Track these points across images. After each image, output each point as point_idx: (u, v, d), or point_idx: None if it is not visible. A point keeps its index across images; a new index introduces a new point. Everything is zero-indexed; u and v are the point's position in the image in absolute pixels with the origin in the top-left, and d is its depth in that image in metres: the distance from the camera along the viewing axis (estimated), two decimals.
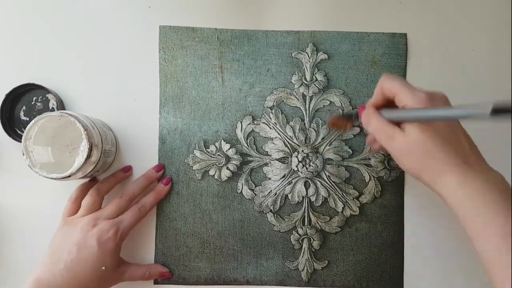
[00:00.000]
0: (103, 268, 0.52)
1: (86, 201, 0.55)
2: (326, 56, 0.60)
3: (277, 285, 0.59)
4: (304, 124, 0.59)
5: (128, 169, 0.59)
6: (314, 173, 0.59)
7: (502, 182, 0.42)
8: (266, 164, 0.59)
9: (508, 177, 0.60)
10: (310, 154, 0.59)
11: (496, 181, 0.42)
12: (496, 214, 0.40)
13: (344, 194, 0.59)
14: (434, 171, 0.43)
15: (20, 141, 0.50)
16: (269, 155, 0.60)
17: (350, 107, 0.59)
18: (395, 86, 0.45)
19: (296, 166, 0.59)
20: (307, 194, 0.59)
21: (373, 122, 0.46)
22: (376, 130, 0.46)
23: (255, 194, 0.59)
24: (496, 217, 0.40)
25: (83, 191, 0.56)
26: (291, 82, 0.60)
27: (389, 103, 0.47)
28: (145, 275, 0.56)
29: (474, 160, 0.43)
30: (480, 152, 0.45)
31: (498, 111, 0.35)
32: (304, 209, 0.59)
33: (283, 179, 0.59)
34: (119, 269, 0.55)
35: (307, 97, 0.60)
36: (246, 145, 0.59)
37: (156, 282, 0.59)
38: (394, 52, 0.60)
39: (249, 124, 0.60)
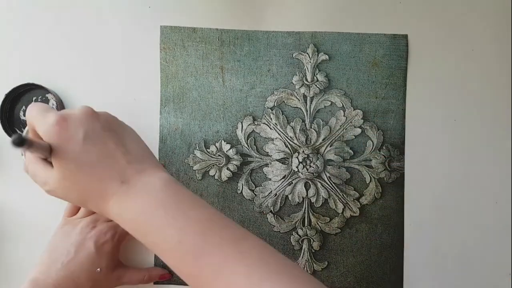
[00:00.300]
0: (98, 270, 0.52)
1: None
2: (327, 56, 0.60)
3: None
4: (305, 124, 0.59)
5: None
6: (314, 174, 0.59)
7: (161, 183, 0.40)
8: (266, 165, 0.59)
9: (508, 177, 0.60)
10: (310, 155, 0.59)
11: (152, 185, 0.40)
12: (165, 217, 0.38)
13: (344, 195, 0.59)
14: (97, 201, 0.40)
15: None
16: (269, 156, 0.59)
17: (351, 107, 0.59)
18: (33, 114, 0.40)
19: (297, 167, 0.59)
20: (307, 195, 0.59)
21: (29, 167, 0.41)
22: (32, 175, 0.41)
23: (255, 195, 0.59)
24: (167, 223, 0.38)
25: None
26: (292, 82, 0.60)
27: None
28: (144, 279, 0.56)
29: (131, 173, 0.40)
30: (146, 153, 0.42)
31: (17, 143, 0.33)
32: (304, 210, 0.59)
33: (283, 179, 0.59)
34: (116, 272, 0.54)
35: (308, 97, 0.60)
36: (246, 146, 0.59)
37: (156, 282, 0.59)
38: (395, 53, 0.60)
39: (249, 124, 0.59)
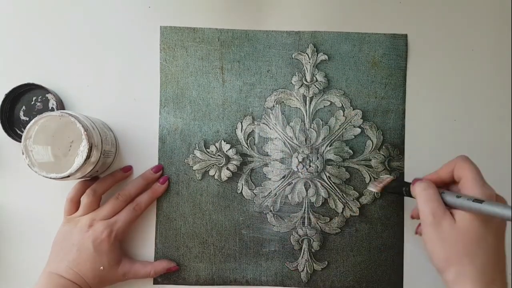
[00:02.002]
0: (101, 268, 0.53)
1: (84, 201, 0.55)
2: (326, 57, 0.60)
3: (276, 285, 0.59)
4: (304, 124, 0.59)
5: (128, 169, 0.59)
6: (314, 173, 0.59)
7: None
8: (266, 165, 0.59)
9: (508, 177, 0.60)
10: (310, 155, 0.59)
11: None
12: None
13: (344, 195, 0.59)
14: (461, 273, 0.39)
15: (20, 141, 0.50)
16: (269, 156, 0.59)
17: (351, 107, 0.59)
18: (467, 172, 0.43)
19: (296, 167, 0.59)
20: (307, 194, 0.59)
21: (427, 193, 0.43)
22: (426, 203, 0.43)
23: (255, 195, 0.59)
24: None
25: (79, 190, 0.56)
26: (291, 83, 0.60)
27: (446, 184, 0.45)
28: (151, 273, 0.57)
29: (498, 284, 0.40)
30: (504, 269, 0.41)
31: None
32: (304, 210, 0.59)
33: (283, 179, 0.59)
34: (121, 268, 0.55)
35: (307, 97, 0.60)
36: (246, 146, 0.59)
37: (156, 282, 0.59)
38: (395, 53, 0.60)
39: (249, 124, 0.59)
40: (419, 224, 0.51)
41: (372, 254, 0.59)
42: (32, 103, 0.58)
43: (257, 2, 0.60)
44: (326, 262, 0.59)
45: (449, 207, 0.43)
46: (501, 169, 0.60)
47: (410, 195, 0.49)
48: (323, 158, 0.59)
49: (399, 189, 0.52)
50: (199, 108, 0.60)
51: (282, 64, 0.60)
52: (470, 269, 0.39)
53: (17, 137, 0.58)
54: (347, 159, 0.59)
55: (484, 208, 0.39)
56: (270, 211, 0.59)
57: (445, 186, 0.47)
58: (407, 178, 0.59)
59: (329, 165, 0.59)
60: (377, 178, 0.58)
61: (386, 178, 0.56)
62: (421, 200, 0.43)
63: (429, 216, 0.42)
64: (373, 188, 0.56)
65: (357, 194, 0.59)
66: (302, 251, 0.59)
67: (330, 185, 0.59)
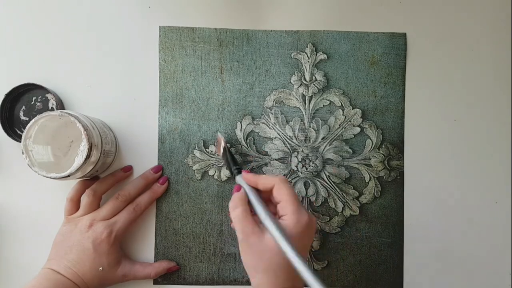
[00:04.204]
0: (101, 268, 0.53)
1: (84, 201, 0.55)
2: (325, 56, 0.60)
3: None
4: (304, 124, 0.59)
5: (128, 169, 0.59)
6: (314, 173, 0.59)
7: None
8: (265, 164, 0.59)
9: (508, 177, 0.60)
10: (310, 154, 0.59)
11: None
12: None
13: (344, 194, 0.59)
14: (263, 279, 0.44)
15: (20, 141, 0.50)
16: (268, 155, 0.59)
17: (350, 106, 0.59)
18: (286, 196, 0.46)
19: (296, 166, 0.59)
20: (307, 194, 0.59)
21: (237, 213, 0.47)
22: (237, 224, 0.46)
23: None
24: None
25: (79, 190, 0.56)
26: (290, 82, 0.60)
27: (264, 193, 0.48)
28: (151, 275, 0.57)
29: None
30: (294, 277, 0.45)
31: None
32: None
33: None
34: (121, 269, 0.55)
35: (307, 97, 0.60)
36: (245, 145, 0.59)
37: (156, 282, 0.59)
38: (394, 52, 0.60)
39: (248, 124, 0.60)
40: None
41: (372, 253, 0.59)
42: (32, 103, 0.58)
43: (256, 2, 0.60)
44: (326, 262, 0.59)
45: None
46: (501, 169, 0.60)
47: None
48: (322, 158, 0.59)
49: (231, 163, 0.54)
50: (198, 108, 0.60)
51: (281, 63, 0.60)
52: (269, 275, 0.44)
53: (17, 137, 0.58)
54: (347, 158, 0.59)
55: (278, 241, 0.43)
56: None
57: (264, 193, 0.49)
58: (407, 177, 0.59)
59: (328, 164, 0.59)
60: (217, 140, 0.58)
61: (220, 139, 0.56)
62: (233, 217, 0.47)
63: (239, 234, 0.46)
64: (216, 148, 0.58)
65: (357, 193, 0.59)
66: None
67: (330, 184, 0.59)
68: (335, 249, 0.59)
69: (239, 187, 0.49)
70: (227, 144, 0.57)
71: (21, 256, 0.59)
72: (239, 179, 0.51)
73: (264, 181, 0.48)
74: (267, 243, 0.44)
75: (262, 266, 0.44)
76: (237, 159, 0.56)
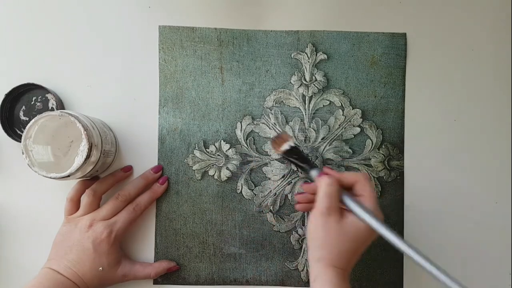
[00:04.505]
0: (100, 268, 0.53)
1: (84, 201, 0.55)
2: (325, 56, 0.60)
3: (276, 285, 0.59)
4: (304, 124, 0.59)
5: (128, 169, 0.59)
6: None
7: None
8: (265, 164, 0.59)
9: (508, 177, 0.60)
10: (309, 154, 0.59)
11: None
12: None
13: (298, 170, 0.59)
14: (325, 255, 0.47)
15: (20, 141, 0.50)
16: (268, 155, 0.59)
17: (350, 106, 0.59)
18: (369, 192, 0.48)
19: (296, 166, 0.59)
20: None
21: (331, 189, 0.48)
22: (327, 196, 0.47)
23: (255, 194, 0.59)
24: None
25: (79, 190, 0.56)
26: (290, 82, 0.60)
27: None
28: (151, 275, 0.57)
29: (343, 269, 0.47)
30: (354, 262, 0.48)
31: None
32: None
33: (282, 179, 0.59)
34: (121, 269, 0.55)
35: (307, 97, 0.60)
36: (245, 145, 0.59)
37: (156, 282, 0.59)
38: (394, 52, 0.60)
39: (248, 124, 0.60)
40: (300, 202, 0.54)
41: (372, 254, 0.59)
42: (32, 103, 0.58)
43: (256, 2, 0.60)
44: None
45: (342, 207, 0.48)
46: (501, 169, 0.60)
47: (307, 175, 0.53)
48: (322, 158, 0.59)
49: (300, 162, 0.52)
50: (198, 108, 0.60)
51: (281, 63, 0.60)
52: (333, 253, 0.46)
53: (17, 137, 0.58)
54: (347, 158, 0.59)
55: (374, 224, 0.46)
56: (270, 210, 0.59)
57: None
58: (407, 177, 0.59)
59: (328, 164, 0.59)
60: (279, 136, 0.56)
61: (285, 137, 0.55)
62: (323, 192, 0.48)
63: (323, 208, 0.47)
64: (272, 147, 0.56)
65: None
66: (302, 250, 0.59)
67: None
68: None
69: (325, 173, 0.50)
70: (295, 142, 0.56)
71: (21, 256, 0.59)
72: (315, 173, 0.51)
73: (347, 175, 0.50)
74: (344, 226, 0.47)
75: (332, 243, 0.46)
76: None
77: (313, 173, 0.50)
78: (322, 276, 0.46)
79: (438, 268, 0.44)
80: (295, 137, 0.59)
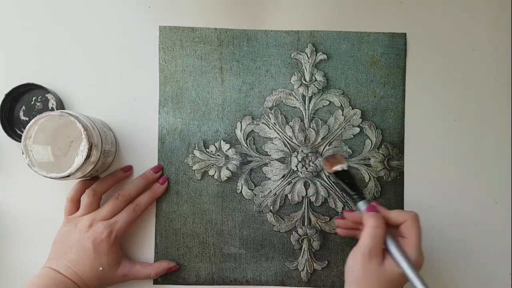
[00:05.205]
0: (100, 268, 0.53)
1: (84, 202, 0.55)
2: (325, 56, 0.60)
3: (276, 285, 0.59)
4: (304, 124, 0.59)
5: (128, 169, 0.59)
6: (313, 173, 0.59)
7: None
8: (265, 164, 0.59)
9: (508, 177, 0.60)
10: (309, 154, 0.59)
11: None
12: None
13: (344, 194, 0.59)
14: None
15: (20, 141, 0.50)
16: (268, 155, 0.59)
17: (350, 107, 0.59)
18: (414, 234, 0.48)
19: (296, 166, 0.59)
20: (306, 194, 0.59)
21: (377, 232, 0.48)
22: (371, 239, 0.48)
23: (255, 194, 0.59)
24: None
25: (79, 190, 0.56)
26: (290, 82, 0.60)
27: (388, 225, 0.50)
28: (151, 275, 0.57)
29: None
30: None
31: None
32: (304, 209, 0.59)
33: (282, 179, 0.59)
34: (121, 269, 0.55)
35: (307, 97, 0.60)
36: (245, 145, 0.59)
37: (156, 282, 0.59)
38: (394, 52, 0.60)
39: (248, 124, 0.60)
40: (340, 227, 0.55)
41: None
42: (32, 103, 0.58)
43: (256, 2, 0.60)
44: (326, 262, 0.59)
45: (385, 248, 0.49)
46: (501, 169, 0.60)
47: (353, 204, 0.53)
48: (322, 158, 0.59)
49: (349, 188, 0.53)
50: (198, 108, 0.60)
51: (281, 63, 0.60)
52: None
53: (17, 137, 0.58)
54: (346, 158, 0.59)
55: (410, 274, 0.46)
56: (270, 210, 0.59)
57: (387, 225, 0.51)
58: (407, 177, 0.59)
59: None
60: (334, 156, 0.56)
61: (341, 159, 0.55)
62: (368, 232, 0.48)
63: (366, 249, 0.47)
64: (324, 165, 0.56)
65: None
66: (302, 250, 0.59)
67: (330, 184, 0.59)
68: (335, 249, 0.59)
69: (374, 209, 0.50)
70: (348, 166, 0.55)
71: (21, 256, 0.59)
72: (362, 206, 0.51)
73: (396, 215, 0.50)
74: (383, 269, 0.47)
75: (368, 285, 0.47)
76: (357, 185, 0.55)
77: (361, 205, 0.51)
78: None
79: None
80: (295, 137, 0.59)
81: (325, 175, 0.59)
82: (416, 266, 0.47)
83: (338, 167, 0.53)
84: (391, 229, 0.50)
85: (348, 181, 0.53)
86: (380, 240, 0.48)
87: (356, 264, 0.47)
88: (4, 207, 0.59)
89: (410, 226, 0.48)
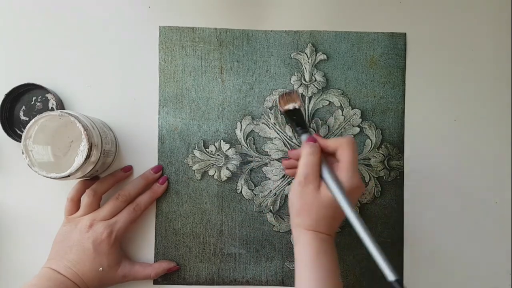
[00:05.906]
0: (100, 269, 0.53)
1: (84, 202, 0.55)
2: (325, 56, 0.60)
3: (276, 285, 0.59)
4: None
5: (128, 169, 0.59)
6: None
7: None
8: (265, 164, 0.59)
9: (508, 177, 0.60)
10: None
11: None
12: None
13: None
14: (303, 221, 0.48)
15: (20, 141, 0.50)
16: (268, 155, 0.59)
17: (350, 107, 0.59)
18: (346, 157, 0.48)
19: None
20: None
21: (310, 159, 0.48)
22: (306, 166, 0.48)
23: (255, 194, 0.59)
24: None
25: (80, 190, 0.56)
26: (290, 82, 0.60)
27: (328, 154, 0.50)
28: (151, 275, 0.57)
29: (321, 232, 0.49)
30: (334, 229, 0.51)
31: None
32: None
33: (282, 179, 0.59)
34: (121, 269, 0.55)
35: (306, 97, 0.60)
36: (245, 145, 0.59)
37: (156, 282, 0.59)
38: (393, 52, 0.60)
39: (248, 124, 0.60)
40: (286, 167, 0.57)
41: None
42: (32, 103, 0.58)
43: (256, 2, 0.60)
44: None
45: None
46: (501, 169, 0.60)
47: (299, 139, 0.55)
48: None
49: (295, 124, 0.53)
50: (198, 108, 0.60)
51: (281, 63, 0.60)
52: (311, 219, 0.48)
53: (17, 137, 0.58)
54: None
55: (337, 197, 0.46)
56: (270, 210, 0.59)
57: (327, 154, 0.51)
58: (407, 177, 0.59)
59: None
60: (290, 94, 0.55)
61: (295, 97, 0.54)
62: (303, 161, 0.49)
63: (302, 177, 0.48)
64: (278, 102, 0.55)
65: None
66: None
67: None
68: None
69: (313, 139, 0.50)
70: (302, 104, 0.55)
71: (21, 256, 0.59)
72: (304, 138, 0.51)
73: (331, 141, 0.50)
74: (319, 195, 0.47)
75: (308, 211, 0.48)
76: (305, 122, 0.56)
77: (303, 137, 0.51)
78: (301, 239, 0.48)
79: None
80: (295, 137, 0.59)
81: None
82: (349, 189, 0.47)
83: (290, 106, 0.53)
84: (330, 157, 0.50)
85: (295, 118, 0.53)
86: (315, 167, 0.48)
87: (294, 195, 0.48)
88: (4, 207, 0.59)
89: (343, 149, 0.48)
